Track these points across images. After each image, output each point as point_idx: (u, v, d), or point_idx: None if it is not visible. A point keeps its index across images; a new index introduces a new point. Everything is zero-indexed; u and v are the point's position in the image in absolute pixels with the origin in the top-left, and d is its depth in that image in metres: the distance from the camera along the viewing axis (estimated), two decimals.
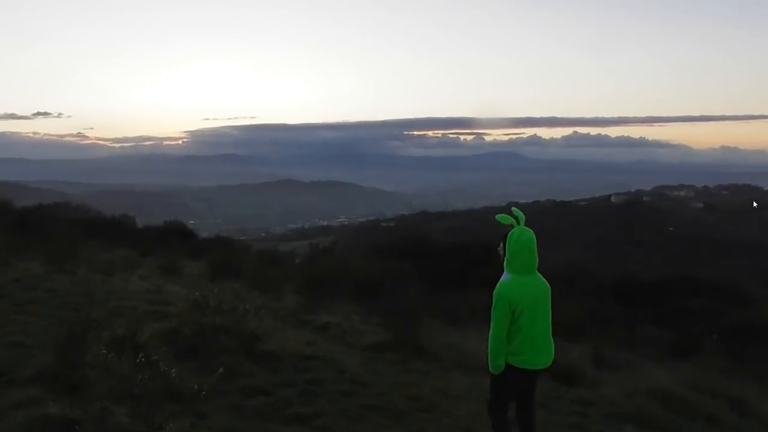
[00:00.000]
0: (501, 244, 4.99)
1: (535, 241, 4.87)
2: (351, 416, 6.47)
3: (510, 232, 4.90)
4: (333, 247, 39.85)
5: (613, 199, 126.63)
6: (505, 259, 4.92)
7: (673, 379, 10.40)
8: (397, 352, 9.47)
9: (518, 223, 4.91)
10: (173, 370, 5.50)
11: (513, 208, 4.98)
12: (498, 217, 4.95)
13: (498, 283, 4.89)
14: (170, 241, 26.03)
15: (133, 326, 6.93)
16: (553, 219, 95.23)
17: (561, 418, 7.42)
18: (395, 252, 28.28)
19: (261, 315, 9.50)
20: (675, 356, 15.02)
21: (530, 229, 4.90)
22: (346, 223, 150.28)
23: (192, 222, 76.39)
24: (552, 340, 5.02)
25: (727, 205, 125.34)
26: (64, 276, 13.09)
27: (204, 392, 5.34)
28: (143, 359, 5.39)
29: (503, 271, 5.00)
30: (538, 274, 4.96)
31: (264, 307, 10.57)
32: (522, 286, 4.82)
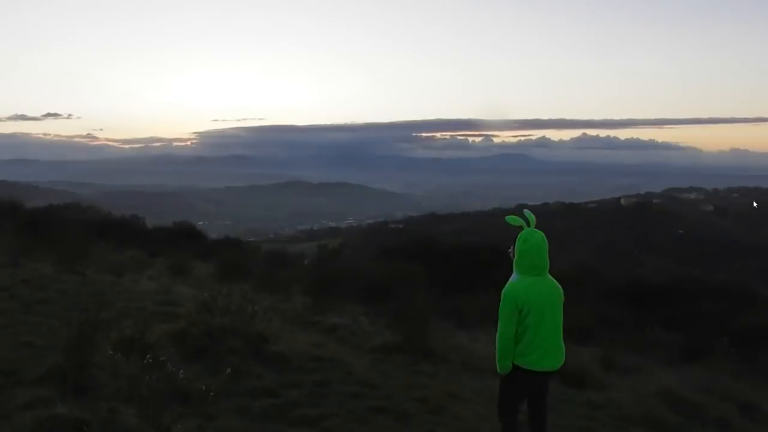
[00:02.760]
0: (512, 246, 5.02)
1: (546, 242, 4.90)
2: (358, 418, 6.45)
3: (519, 234, 4.93)
4: (341, 249, 39.89)
5: (622, 201, 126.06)
6: (514, 260, 4.96)
7: (683, 382, 10.34)
8: (405, 354, 9.45)
9: (528, 225, 4.93)
10: (181, 371, 5.51)
11: (524, 210, 5.01)
12: (508, 218, 4.99)
13: (507, 284, 4.93)
14: (179, 242, 26.10)
15: (141, 327, 6.94)
16: (563, 221, 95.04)
17: (570, 421, 7.39)
18: (404, 254, 28.25)
19: (269, 316, 9.50)
20: (685, 359, 14.93)
21: (540, 231, 4.92)
22: (354, 224, 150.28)
23: (201, 223, 76.56)
24: (562, 343, 5.02)
25: (737, 208, 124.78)
26: (73, 277, 13.12)
27: (212, 393, 5.35)
28: (151, 360, 5.40)
29: (513, 272, 5.02)
30: (549, 276, 4.97)
31: (272, 309, 10.59)
32: (530, 286, 4.83)
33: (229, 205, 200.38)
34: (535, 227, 4.95)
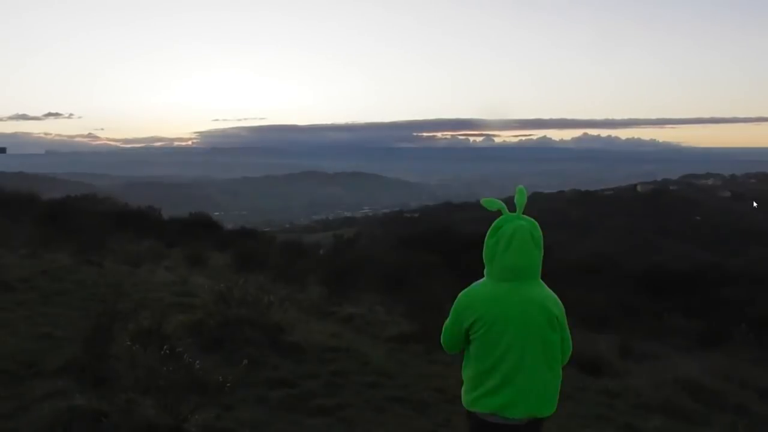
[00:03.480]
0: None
1: (534, 236, 3.27)
2: (375, 408, 6.45)
3: (495, 222, 3.35)
4: (357, 239, 39.91)
5: (639, 188, 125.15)
6: (484, 258, 3.40)
7: (702, 369, 10.28)
8: (421, 344, 9.43)
9: (507, 210, 3.33)
10: (198, 361, 5.51)
11: (517, 186, 3.41)
12: (484, 201, 3.45)
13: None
14: (196, 233, 26.20)
15: (158, 318, 6.97)
16: (579, 209, 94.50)
17: (587, 409, 7.35)
18: (420, 243, 28.22)
19: (285, 306, 9.52)
20: (704, 346, 14.85)
21: (528, 218, 3.31)
22: (370, 214, 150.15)
23: (217, 213, 76.78)
24: (550, 386, 3.28)
25: (754, 194, 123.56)
26: (91, 267, 13.22)
27: (229, 384, 5.35)
28: (168, 351, 5.41)
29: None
30: (541, 286, 3.31)
31: (288, 299, 10.61)
32: (496, 295, 3.27)
33: (245, 196, 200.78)
34: (523, 213, 3.33)
